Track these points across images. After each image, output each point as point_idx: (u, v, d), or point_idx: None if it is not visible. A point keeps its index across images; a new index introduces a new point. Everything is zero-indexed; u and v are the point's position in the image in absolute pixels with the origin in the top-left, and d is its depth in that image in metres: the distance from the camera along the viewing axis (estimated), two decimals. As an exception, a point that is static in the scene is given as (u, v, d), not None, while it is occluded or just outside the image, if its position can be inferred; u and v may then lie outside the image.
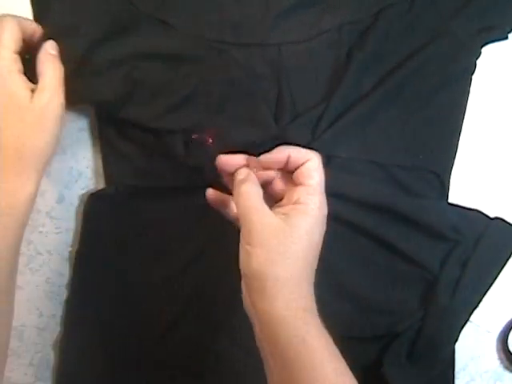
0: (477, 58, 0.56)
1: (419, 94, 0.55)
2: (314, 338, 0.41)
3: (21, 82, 0.47)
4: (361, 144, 0.55)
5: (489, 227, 0.55)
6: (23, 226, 0.48)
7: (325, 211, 0.45)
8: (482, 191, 0.58)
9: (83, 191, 0.58)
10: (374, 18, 0.55)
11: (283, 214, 0.44)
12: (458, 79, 0.56)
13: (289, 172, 0.47)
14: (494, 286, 0.54)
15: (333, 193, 0.53)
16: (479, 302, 0.54)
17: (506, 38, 0.57)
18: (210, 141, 0.52)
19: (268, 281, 0.42)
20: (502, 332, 0.57)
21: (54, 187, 0.59)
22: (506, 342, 0.56)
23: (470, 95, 0.57)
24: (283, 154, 0.47)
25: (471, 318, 0.54)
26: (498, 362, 0.57)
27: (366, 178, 0.55)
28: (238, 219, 0.46)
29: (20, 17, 0.50)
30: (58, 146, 0.50)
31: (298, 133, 0.54)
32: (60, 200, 0.59)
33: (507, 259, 0.54)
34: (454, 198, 0.56)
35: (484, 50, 0.56)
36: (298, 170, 0.46)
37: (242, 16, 0.56)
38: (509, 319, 0.57)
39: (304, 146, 0.54)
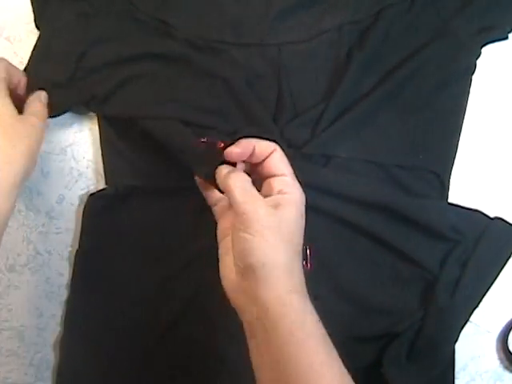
0: (477, 58, 0.56)
1: (419, 94, 0.55)
2: (313, 324, 0.43)
3: (9, 100, 0.50)
4: (360, 144, 0.55)
5: (489, 227, 0.55)
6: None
7: (303, 198, 0.47)
8: (482, 191, 0.58)
9: (83, 191, 0.58)
10: (374, 18, 0.56)
11: (271, 205, 0.45)
12: (457, 79, 0.56)
13: (252, 163, 0.49)
14: (494, 286, 0.54)
15: (333, 192, 0.53)
16: (479, 302, 0.54)
17: (506, 37, 0.57)
18: (222, 145, 0.50)
19: (269, 268, 0.43)
20: (502, 332, 0.57)
21: (53, 187, 0.59)
22: (506, 342, 0.56)
23: (470, 95, 0.56)
24: (249, 146, 0.48)
25: (471, 318, 0.54)
26: (498, 362, 0.57)
27: (366, 178, 0.55)
28: (217, 204, 0.50)
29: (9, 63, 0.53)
30: (32, 173, 0.52)
31: (297, 132, 0.54)
32: (60, 200, 0.59)
33: (507, 259, 0.54)
34: (454, 198, 0.56)
35: (484, 49, 0.56)
36: (266, 162, 0.48)
37: (242, 16, 0.56)
38: (509, 319, 0.57)
39: (303, 146, 0.54)
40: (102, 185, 0.58)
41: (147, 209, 0.57)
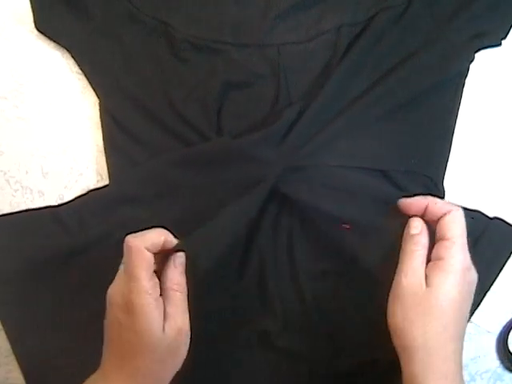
0: (470, 63, 0.56)
1: (411, 98, 0.55)
2: None
3: (154, 316, 0.44)
4: (350, 151, 0.55)
5: (488, 227, 0.55)
6: None
7: (466, 264, 0.44)
8: (482, 191, 0.58)
9: (83, 191, 0.58)
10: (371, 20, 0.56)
11: (426, 273, 0.44)
12: (450, 84, 0.56)
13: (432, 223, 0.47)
14: (494, 285, 0.54)
15: (332, 190, 0.53)
16: (479, 302, 0.54)
17: (500, 44, 0.57)
18: (348, 226, 0.51)
19: (405, 340, 0.43)
20: (501, 332, 0.57)
21: (54, 187, 0.59)
22: (506, 342, 0.56)
23: (474, 94, 0.57)
24: (421, 202, 0.47)
25: (471, 318, 0.54)
26: (497, 362, 0.57)
27: (365, 177, 0.55)
28: None
29: (148, 234, 0.45)
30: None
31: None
32: (60, 200, 0.59)
33: (507, 259, 0.54)
34: (453, 198, 0.56)
35: (477, 53, 0.56)
36: (438, 224, 0.45)
37: (242, 17, 0.56)
38: (509, 319, 0.57)
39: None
40: (101, 185, 0.58)
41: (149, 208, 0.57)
